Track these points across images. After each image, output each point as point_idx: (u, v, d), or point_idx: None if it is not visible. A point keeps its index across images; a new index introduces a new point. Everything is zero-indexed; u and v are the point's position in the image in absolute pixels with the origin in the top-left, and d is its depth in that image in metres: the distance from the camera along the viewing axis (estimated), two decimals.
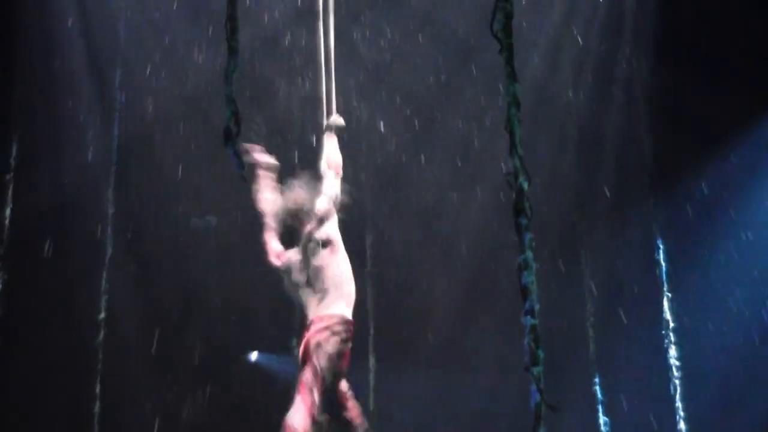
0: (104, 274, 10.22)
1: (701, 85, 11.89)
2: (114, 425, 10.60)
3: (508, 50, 4.57)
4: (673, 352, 8.98)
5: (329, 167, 7.60)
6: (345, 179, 7.57)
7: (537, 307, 4.13)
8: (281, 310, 10.42)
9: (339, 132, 8.12)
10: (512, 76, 4.54)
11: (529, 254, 4.20)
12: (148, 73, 12.82)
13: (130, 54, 12.64)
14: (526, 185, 4.29)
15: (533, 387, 3.97)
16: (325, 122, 8.16)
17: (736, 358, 12.22)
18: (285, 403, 10.69)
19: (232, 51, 5.06)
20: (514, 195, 4.29)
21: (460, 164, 13.11)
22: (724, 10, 11.68)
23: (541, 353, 4.03)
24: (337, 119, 8.16)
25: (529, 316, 4.08)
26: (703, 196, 12.45)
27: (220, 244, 13.58)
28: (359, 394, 10.61)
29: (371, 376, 10.15)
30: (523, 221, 4.25)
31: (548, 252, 11.60)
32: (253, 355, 14.42)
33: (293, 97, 11.76)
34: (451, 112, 13.31)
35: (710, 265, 12.37)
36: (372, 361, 10.16)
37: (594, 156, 12.34)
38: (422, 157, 13.04)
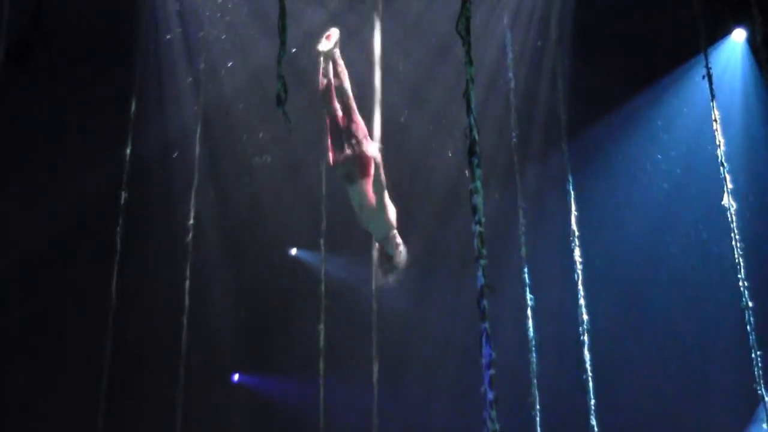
0: (193, 193, 10.18)
1: (599, 71, 11.96)
2: (199, 299, 10.61)
3: (467, 43, 4.54)
4: (576, 252, 8.93)
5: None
6: None
7: (483, 219, 4.14)
8: (315, 219, 10.39)
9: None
10: (470, 61, 4.52)
11: (478, 183, 4.20)
12: (224, 57, 12.82)
13: (212, 45, 12.58)
14: (477, 135, 4.29)
15: (479, 273, 4.00)
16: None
17: (622, 257, 12.32)
18: (312, 289, 10.74)
19: (282, 43, 5.11)
20: (468, 142, 4.30)
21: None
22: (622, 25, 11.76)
23: (484, 250, 4.04)
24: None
25: (477, 225, 4.10)
26: (598, 145, 12.56)
27: (272, 174, 13.62)
28: (363, 278, 10.58)
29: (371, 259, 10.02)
30: (475, 160, 4.25)
31: (494, 180, 11.61)
32: (293, 251, 14.47)
33: None
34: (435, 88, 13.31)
35: (604, 192, 12.48)
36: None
37: (527, 117, 12.36)
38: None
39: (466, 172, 4.31)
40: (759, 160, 11.84)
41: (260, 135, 13.21)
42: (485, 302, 3.93)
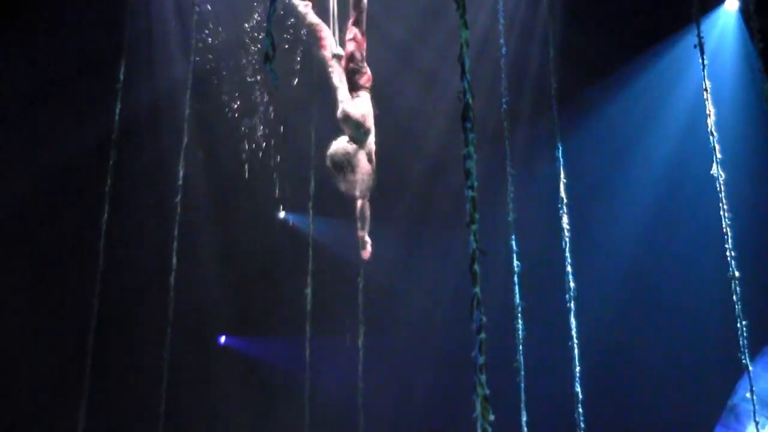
0: (182, 154, 10.14)
1: (591, 38, 11.94)
2: (187, 260, 10.60)
3: (461, 7, 4.51)
4: (564, 219, 8.91)
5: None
6: None
7: (476, 184, 4.14)
8: (303, 182, 10.39)
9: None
10: (464, 25, 4.49)
11: (471, 148, 4.20)
12: (216, 17, 12.72)
13: (203, 4, 12.46)
14: (471, 100, 4.28)
15: (471, 238, 3.99)
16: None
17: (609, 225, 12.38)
18: (300, 252, 10.76)
19: (272, 1, 5.05)
20: (462, 106, 4.28)
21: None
22: None
23: (476, 215, 4.05)
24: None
25: (469, 190, 4.09)
26: (589, 112, 12.58)
27: (261, 136, 13.59)
28: (350, 242, 10.61)
29: None
30: (468, 125, 4.24)
31: (485, 146, 11.56)
32: (281, 213, 14.46)
33: None
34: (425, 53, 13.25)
35: (587, 153, 12.53)
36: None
37: (518, 84, 12.32)
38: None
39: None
40: (749, 130, 11.82)
41: (250, 96, 13.15)
42: (477, 267, 3.93)
